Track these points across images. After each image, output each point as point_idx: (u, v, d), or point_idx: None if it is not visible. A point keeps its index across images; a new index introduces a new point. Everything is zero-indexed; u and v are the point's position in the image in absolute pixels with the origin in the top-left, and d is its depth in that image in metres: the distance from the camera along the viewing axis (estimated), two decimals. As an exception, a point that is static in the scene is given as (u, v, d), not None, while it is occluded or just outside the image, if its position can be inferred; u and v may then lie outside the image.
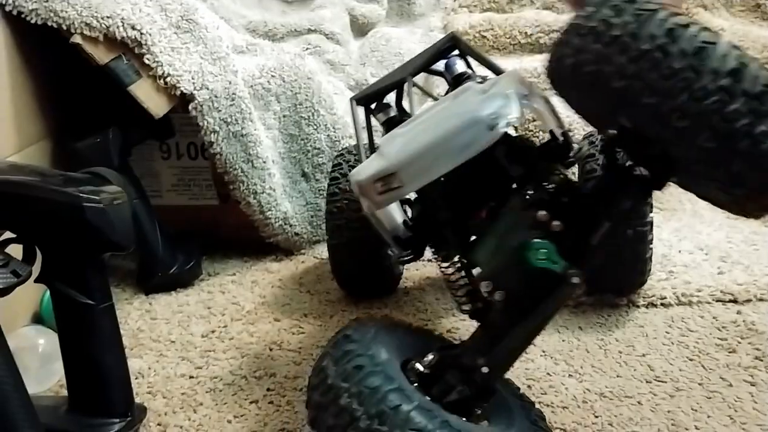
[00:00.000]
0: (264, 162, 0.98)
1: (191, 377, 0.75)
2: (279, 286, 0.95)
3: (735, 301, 0.83)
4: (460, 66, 0.77)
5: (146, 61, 0.89)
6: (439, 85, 1.16)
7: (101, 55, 0.86)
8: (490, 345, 0.54)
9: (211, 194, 1.03)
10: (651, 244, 0.78)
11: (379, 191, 0.57)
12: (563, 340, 0.78)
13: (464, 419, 0.51)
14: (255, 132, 0.97)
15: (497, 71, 0.75)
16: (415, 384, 0.52)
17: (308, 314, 0.87)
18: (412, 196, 0.68)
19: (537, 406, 0.60)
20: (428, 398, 0.51)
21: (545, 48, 1.44)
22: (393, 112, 0.78)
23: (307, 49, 1.27)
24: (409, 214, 0.68)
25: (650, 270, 0.81)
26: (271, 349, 0.80)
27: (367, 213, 0.63)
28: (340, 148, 1.01)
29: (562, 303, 0.54)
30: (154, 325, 0.86)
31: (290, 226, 1.01)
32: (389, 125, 0.77)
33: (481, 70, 0.79)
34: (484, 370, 0.53)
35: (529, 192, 0.55)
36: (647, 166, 0.53)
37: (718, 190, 0.49)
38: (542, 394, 0.69)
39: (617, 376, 0.71)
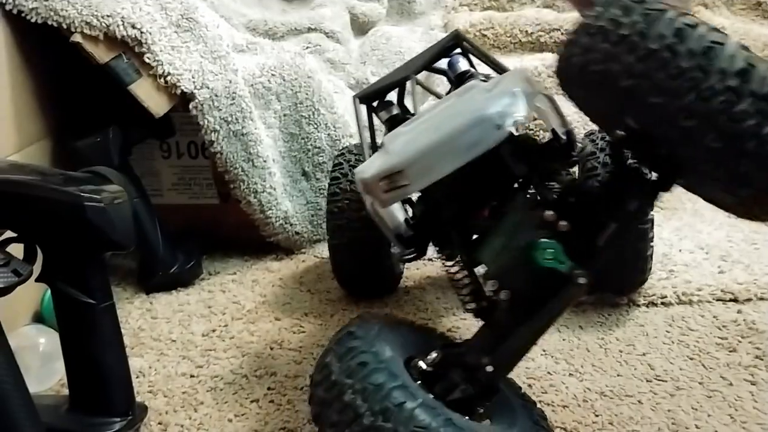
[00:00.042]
0: (264, 161, 0.98)
1: (192, 376, 0.75)
2: (279, 285, 0.95)
3: (735, 300, 0.83)
4: (463, 64, 0.77)
5: (146, 60, 0.89)
6: (440, 84, 1.16)
7: (101, 54, 0.86)
8: (494, 344, 0.54)
9: (211, 193, 1.03)
10: (652, 241, 0.78)
11: (385, 189, 0.57)
12: (564, 339, 0.78)
13: (467, 418, 0.51)
14: (255, 131, 0.97)
15: (501, 69, 0.75)
16: (418, 382, 0.52)
17: (309, 313, 0.87)
18: (414, 195, 0.68)
19: (537, 405, 0.60)
20: (431, 396, 0.51)
21: (546, 46, 1.44)
22: (395, 110, 0.78)
23: (307, 47, 1.27)
24: (410, 213, 0.68)
25: (651, 268, 0.81)
26: (271, 348, 0.80)
27: (370, 211, 0.63)
28: (340, 147, 1.01)
29: (568, 303, 0.54)
30: (155, 324, 0.86)
31: (291, 225, 1.01)
32: (392, 123, 0.76)
33: (483, 68, 0.79)
34: (489, 369, 0.53)
35: (535, 191, 0.55)
36: (654, 167, 0.52)
37: (724, 192, 0.48)
38: (543, 393, 0.69)
39: (618, 375, 0.71)
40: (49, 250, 0.61)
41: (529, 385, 0.70)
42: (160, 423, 0.68)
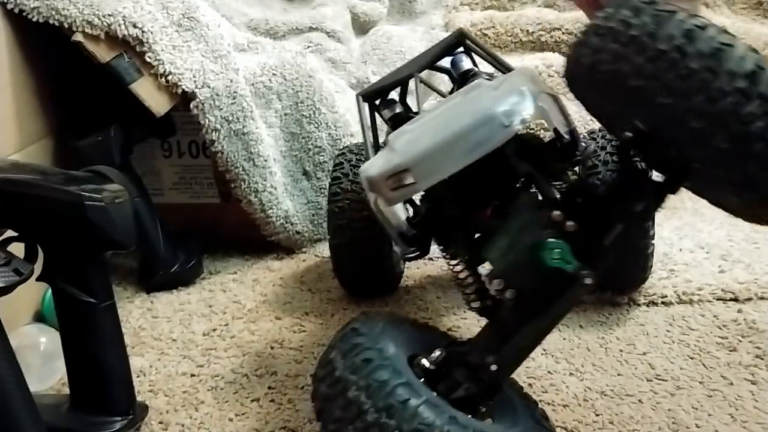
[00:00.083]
0: (265, 160, 0.98)
1: (193, 375, 0.76)
2: (280, 284, 0.95)
3: (736, 300, 0.83)
4: (466, 63, 0.76)
5: (148, 60, 0.89)
6: (441, 84, 1.16)
7: (103, 54, 0.86)
8: (499, 343, 0.54)
9: (212, 192, 1.03)
10: (653, 239, 0.78)
11: (391, 187, 0.56)
12: (564, 339, 0.78)
13: (469, 416, 0.51)
14: (256, 130, 0.97)
15: (506, 68, 0.75)
16: (422, 380, 0.52)
17: (309, 313, 0.87)
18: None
19: (539, 404, 0.60)
20: (435, 394, 0.51)
21: (546, 46, 1.44)
22: (398, 109, 0.78)
23: (308, 47, 1.27)
24: (411, 212, 0.68)
25: (652, 266, 0.81)
26: (272, 348, 0.80)
27: (374, 209, 0.63)
28: (341, 147, 1.01)
29: (573, 303, 0.54)
30: (156, 324, 0.86)
31: (291, 224, 1.01)
32: (395, 122, 0.76)
33: (485, 67, 0.79)
34: (493, 368, 0.53)
35: (541, 191, 0.55)
36: (661, 169, 0.52)
37: (731, 194, 0.48)
38: (543, 392, 0.69)
39: (618, 375, 0.71)
40: (50, 250, 0.61)
41: (530, 385, 0.70)
42: (160, 422, 0.68)
